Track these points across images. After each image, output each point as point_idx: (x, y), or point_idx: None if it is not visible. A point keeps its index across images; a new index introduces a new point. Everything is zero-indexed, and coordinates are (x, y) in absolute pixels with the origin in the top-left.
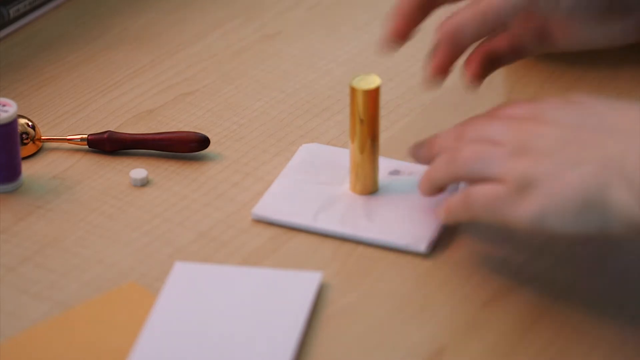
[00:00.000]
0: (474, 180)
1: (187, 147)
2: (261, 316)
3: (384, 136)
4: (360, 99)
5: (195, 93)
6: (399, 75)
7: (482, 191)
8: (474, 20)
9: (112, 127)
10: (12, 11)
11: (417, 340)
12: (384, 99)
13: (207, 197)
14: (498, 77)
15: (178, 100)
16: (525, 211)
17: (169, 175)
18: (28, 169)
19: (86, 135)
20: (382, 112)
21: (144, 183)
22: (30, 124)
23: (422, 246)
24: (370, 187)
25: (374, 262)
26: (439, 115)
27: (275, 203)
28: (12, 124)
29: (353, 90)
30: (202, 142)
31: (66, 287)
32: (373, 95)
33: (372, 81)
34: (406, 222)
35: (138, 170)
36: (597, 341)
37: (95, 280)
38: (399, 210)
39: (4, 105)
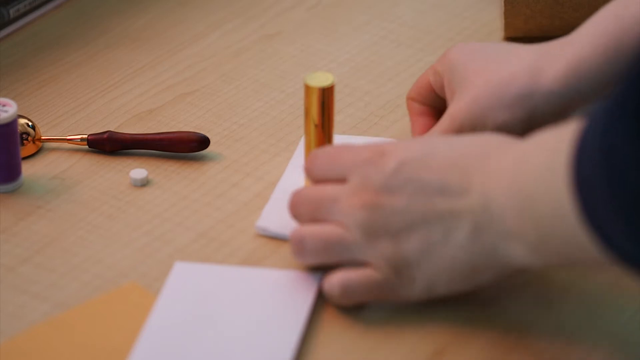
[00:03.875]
0: (334, 263)
1: (187, 147)
2: (261, 316)
3: (384, 136)
4: (314, 97)
5: (195, 93)
6: (399, 75)
7: (357, 280)
8: None
9: (112, 127)
10: (12, 11)
11: (417, 341)
12: (384, 98)
13: (207, 197)
14: None
15: (178, 100)
16: (412, 290)
17: (169, 175)
18: (28, 169)
19: (86, 135)
20: (382, 112)
21: (144, 183)
22: (30, 124)
23: None
24: None
25: None
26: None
27: (278, 215)
28: (12, 124)
29: (307, 88)
30: (202, 142)
31: (66, 287)
32: (328, 93)
33: (326, 79)
34: None
35: (138, 170)
36: (597, 341)
37: (95, 280)
38: None
39: (4, 105)
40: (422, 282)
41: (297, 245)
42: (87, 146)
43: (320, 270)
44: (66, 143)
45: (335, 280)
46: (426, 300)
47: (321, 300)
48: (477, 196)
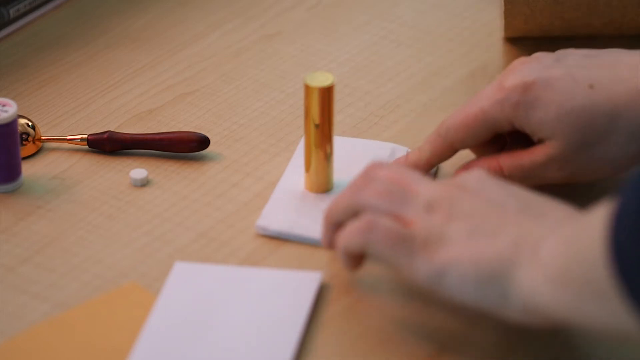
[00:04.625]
0: (379, 214)
1: (187, 147)
2: (261, 316)
3: (384, 137)
4: (314, 97)
5: (195, 93)
6: (399, 75)
7: (386, 225)
8: None
9: (112, 127)
10: (12, 11)
11: (417, 340)
12: (384, 98)
13: (207, 197)
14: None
15: (178, 100)
16: (424, 265)
17: (169, 175)
18: (28, 169)
19: (86, 135)
20: (382, 112)
21: (144, 183)
22: (30, 124)
23: None
24: (324, 185)
25: (373, 262)
26: (439, 115)
27: (278, 215)
28: (12, 124)
29: (307, 88)
30: (202, 142)
31: (66, 287)
32: (328, 93)
33: (326, 79)
34: None
35: (138, 170)
36: (597, 340)
37: (95, 280)
38: None
39: (4, 105)
40: (436, 264)
41: (365, 177)
42: (87, 146)
43: (320, 270)
44: (66, 143)
45: (368, 216)
46: (426, 300)
47: (321, 300)
48: (546, 228)
